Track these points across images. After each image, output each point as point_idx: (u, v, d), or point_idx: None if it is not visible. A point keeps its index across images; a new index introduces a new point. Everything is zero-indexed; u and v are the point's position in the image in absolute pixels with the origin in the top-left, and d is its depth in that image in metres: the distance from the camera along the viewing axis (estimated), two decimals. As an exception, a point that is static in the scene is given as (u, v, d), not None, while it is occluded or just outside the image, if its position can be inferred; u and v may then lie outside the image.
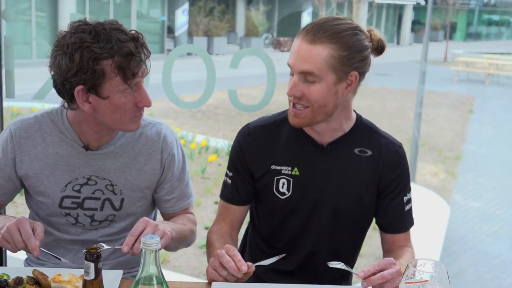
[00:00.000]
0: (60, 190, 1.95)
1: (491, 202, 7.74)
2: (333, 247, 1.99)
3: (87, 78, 1.73)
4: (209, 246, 1.98)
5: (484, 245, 6.33)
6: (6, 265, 2.44)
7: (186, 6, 20.73)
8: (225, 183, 2.04)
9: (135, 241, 1.70)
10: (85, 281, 1.30)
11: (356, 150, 1.95)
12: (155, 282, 1.24)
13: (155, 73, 2.12)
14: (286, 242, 1.99)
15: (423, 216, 7.58)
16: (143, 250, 1.23)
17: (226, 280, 1.70)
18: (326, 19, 1.82)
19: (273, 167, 1.95)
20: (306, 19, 18.50)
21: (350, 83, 1.83)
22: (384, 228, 2.03)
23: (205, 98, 2.34)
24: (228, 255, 1.69)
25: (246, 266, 1.68)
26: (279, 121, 1.97)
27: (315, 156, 1.94)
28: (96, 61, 1.71)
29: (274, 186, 1.95)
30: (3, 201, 2.03)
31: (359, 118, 1.99)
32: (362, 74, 1.86)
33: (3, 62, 2.36)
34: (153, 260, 1.24)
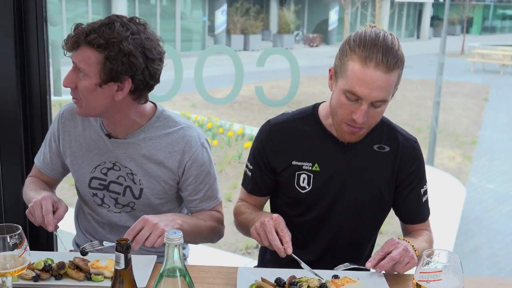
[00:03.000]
0: (90, 171, 1.94)
1: (504, 184, 7.71)
2: (353, 238, 1.91)
3: None
4: (240, 215, 1.93)
5: (498, 224, 6.29)
6: (56, 250, 2.43)
7: (224, 7, 20.73)
8: (245, 174, 1.97)
9: (133, 239, 1.64)
10: (116, 270, 1.26)
11: (375, 147, 1.85)
12: (178, 274, 1.20)
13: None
14: (306, 233, 1.92)
15: (441, 197, 7.48)
16: (167, 244, 1.18)
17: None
18: (384, 42, 1.64)
19: (294, 162, 1.86)
20: (333, 17, 18.26)
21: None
22: (403, 220, 1.95)
23: (234, 94, 2.28)
24: (277, 233, 1.62)
25: (291, 250, 1.61)
26: (300, 119, 1.87)
27: (335, 153, 1.84)
28: None
29: (295, 180, 1.86)
30: (55, 177, 2.07)
31: None
32: None
33: (51, 63, 2.35)
34: (176, 254, 1.18)
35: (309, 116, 1.86)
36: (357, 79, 1.62)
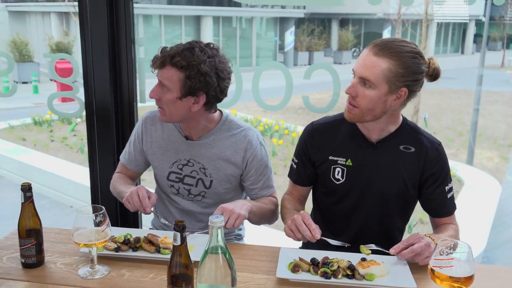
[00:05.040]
0: (169, 166, 1.98)
1: (538, 182, 7.27)
2: (381, 227, 1.85)
3: None
4: (283, 208, 1.92)
5: (531, 217, 5.98)
6: (141, 228, 2.50)
7: (293, 28, 20.71)
8: (291, 166, 1.96)
9: None
10: (173, 246, 1.28)
11: (401, 147, 1.78)
12: (219, 251, 1.19)
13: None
14: (340, 220, 1.88)
15: (479, 193, 7.15)
16: (211, 226, 1.18)
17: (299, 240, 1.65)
18: (394, 39, 1.67)
19: (330, 157, 1.83)
20: (386, 36, 17.81)
21: (399, 96, 1.68)
22: (431, 214, 1.86)
23: (284, 102, 2.26)
24: (305, 223, 1.62)
25: (319, 234, 1.61)
26: (338, 121, 1.84)
27: (366, 151, 1.80)
28: None
29: (331, 173, 1.83)
30: (137, 171, 2.11)
31: (404, 120, 1.83)
32: (412, 92, 1.69)
33: (138, 77, 2.41)
34: (219, 235, 1.19)
35: (345, 119, 1.83)
36: (358, 58, 1.69)
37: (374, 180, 1.79)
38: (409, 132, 1.80)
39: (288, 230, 1.66)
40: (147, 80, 2.37)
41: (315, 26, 20.91)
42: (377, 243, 1.66)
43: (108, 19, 2.25)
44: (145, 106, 2.38)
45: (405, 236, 1.82)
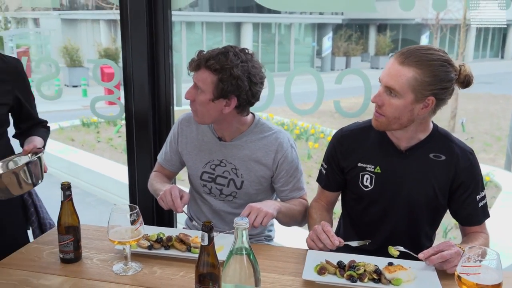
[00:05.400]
0: (202, 166, 1.99)
1: None
2: (410, 233, 1.80)
3: None
4: (310, 218, 1.89)
5: None
6: (176, 226, 2.53)
7: (330, 34, 20.54)
8: (320, 171, 1.92)
9: None
10: (201, 246, 1.28)
11: (431, 155, 1.72)
12: (244, 252, 1.19)
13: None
14: (368, 226, 1.83)
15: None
16: (236, 228, 1.18)
17: (321, 250, 1.63)
18: (421, 47, 1.61)
19: (359, 164, 1.79)
20: (424, 41, 17.37)
21: (426, 105, 1.61)
22: (461, 222, 1.79)
23: (315, 107, 2.24)
24: (324, 232, 1.60)
25: (337, 241, 1.60)
26: (367, 127, 1.79)
27: (395, 158, 1.75)
28: None
29: (360, 179, 1.79)
30: (173, 171, 2.13)
31: (435, 128, 1.76)
32: (440, 101, 1.62)
33: (174, 81, 2.44)
34: (243, 236, 1.18)
35: None
36: (385, 67, 1.65)
37: (403, 188, 1.74)
38: (439, 139, 1.74)
39: (309, 240, 1.66)
40: (183, 85, 2.40)
41: (353, 32, 20.65)
42: (406, 249, 1.61)
43: (148, 26, 2.29)
44: (181, 109, 2.40)
45: (436, 243, 1.76)
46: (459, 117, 10.36)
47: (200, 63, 1.80)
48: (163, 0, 2.28)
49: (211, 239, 1.27)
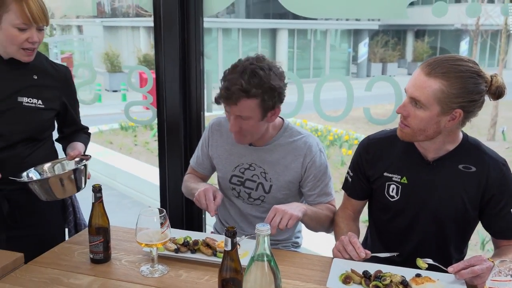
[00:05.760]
0: (231, 170, 2.00)
1: None
2: (439, 245, 1.74)
3: None
4: (336, 227, 1.86)
5: None
6: (205, 231, 2.54)
7: (367, 40, 20.33)
8: (346, 179, 1.89)
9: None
10: (224, 251, 1.28)
11: (460, 166, 1.66)
12: (265, 259, 1.18)
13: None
14: (395, 236, 1.79)
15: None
16: (257, 234, 1.17)
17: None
18: (448, 57, 1.55)
19: (385, 173, 1.75)
20: (463, 46, 16.92)
21: (453, 118, 1.55)
22: (494, 235, 1.71)
23: (345, 113, 2.21)
24: (351, 243, 1.58)
25: (364, 253, 1.56)
26: (394, 136, 1.73)
27: (422, 169, 1.69)
28: None
29: (385, 189, 1.75)
30: (205, 174, 2.14)
31: (464, 138, 1.69)
32: (469, 113, 1.56)
33: (205, 87, 2.46)
34: (265, 242, 1.18)
35: None
36: (411, 77, 1.60)
37: (430, 199, 1.68)
38: (470, 150, 1.67)
39: (336, 251, 1.63)
40: (214, 91, 2.41)
41: (389, 38, 20.36)
42: (434, 261, 1.56)
43: (180, 33, 2.33)
44: (212, 114, 2.42)
45: (473, 253, 1.70)
46: (499, 125, 10.01)
47: (239, 96, 1.74)
48: (196, 8, 2.31)
49: (234, 244, 1.27)
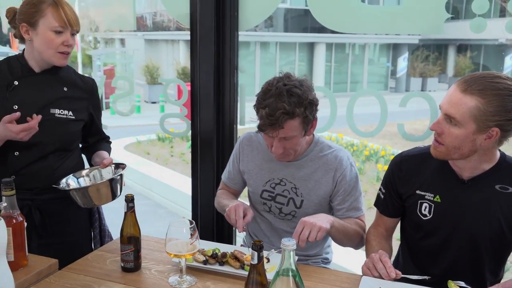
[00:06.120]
0: (262, 184, 2.00)
1: None
2: (473, 267, 1.67)
3: None
4: (368, 244, 1.83)
5: None
6: (235, 244, 2.55)
7: (406, 54, 20.04)
8: (378, 196, 1.86)
9: (298, 239, 1.64)
10: (251, 265, 1.28)
11: (497, 187, 1.60)
12: (290, 274, 1.17)
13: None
14: (427, 256, 1.74)
15: None
16: (283, 249, 1.17)
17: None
18: (486, 74, 1.51)
19: (418, 191, 1.71)
20: (508, 62, 16.40)
21: (490, 136, 1.50)
22: None
23: (378, 129, 2.19)
24: (381, 261, 1.55)
25: (394, 273, 1.53)
26: (428, 153, 1.69)
27: (456, 188, 1.64)
28: None
29: (418, 208, 1.71)
30: (237, 189, 2.15)
31: (502, 157, 1.63)
32: (506, 132, 1.51)
33: (239, 100, 2.48)
34: (291, 257, 1.17)
35: None
36: (446, 93, 1.57)
37: (464, 220, 1.63)
38: (507, 170, 1.61)
39: (365, 268, 1.60)
40: (247, 104, 2.44)
41: (430, 52, 19.99)
42: (467, 284, 1.51)
43: (215, 47, 2.37)
44: (245, 128, 2.44)
45: (504, 279, 1.64)
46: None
47: (284, 120, 1.73)
48: (231, 22, 2.34)
49: (260, 258, 1.27)
